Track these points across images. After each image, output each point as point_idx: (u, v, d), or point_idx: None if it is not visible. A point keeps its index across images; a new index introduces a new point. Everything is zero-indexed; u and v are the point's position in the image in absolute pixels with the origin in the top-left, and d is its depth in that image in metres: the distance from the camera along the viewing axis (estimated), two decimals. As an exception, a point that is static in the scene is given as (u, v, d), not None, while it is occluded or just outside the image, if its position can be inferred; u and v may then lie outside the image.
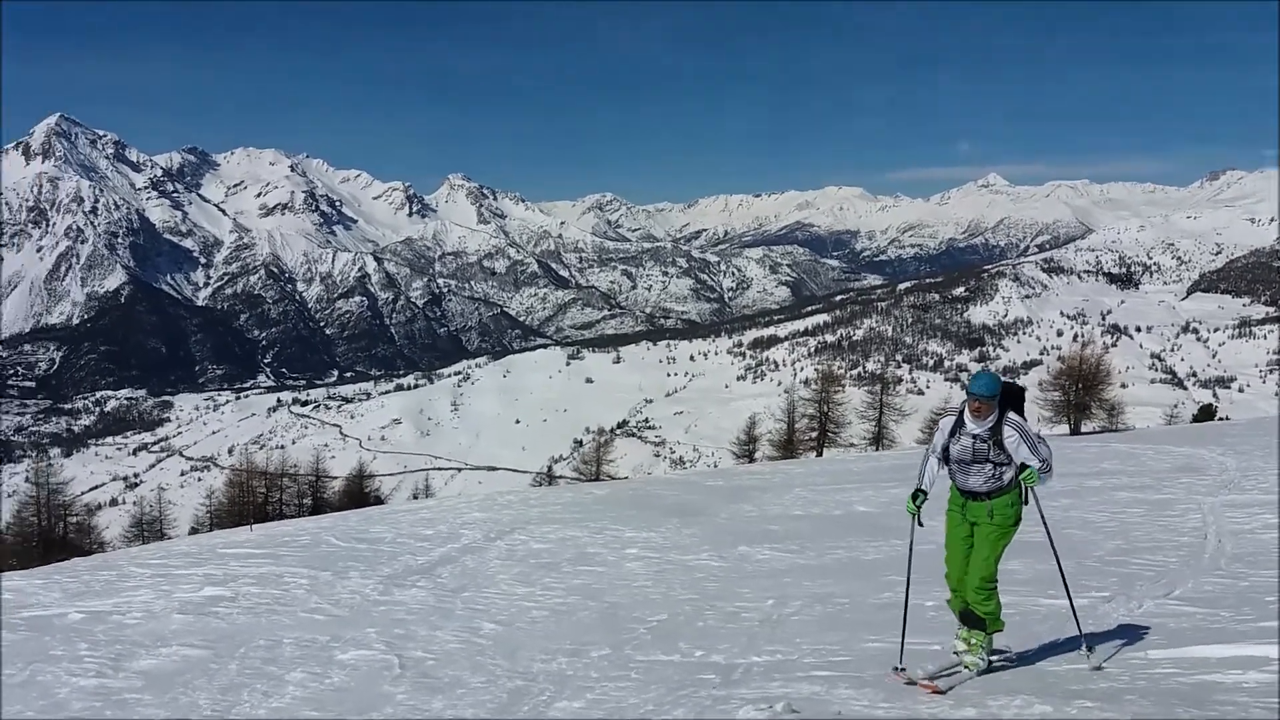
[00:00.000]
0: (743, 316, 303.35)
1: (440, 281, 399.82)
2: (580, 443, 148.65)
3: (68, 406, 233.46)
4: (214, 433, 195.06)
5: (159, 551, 17.67)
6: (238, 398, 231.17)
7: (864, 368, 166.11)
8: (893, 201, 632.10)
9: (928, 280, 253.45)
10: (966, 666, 5.65)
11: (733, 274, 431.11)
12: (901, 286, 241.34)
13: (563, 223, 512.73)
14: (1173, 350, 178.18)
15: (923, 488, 5.92)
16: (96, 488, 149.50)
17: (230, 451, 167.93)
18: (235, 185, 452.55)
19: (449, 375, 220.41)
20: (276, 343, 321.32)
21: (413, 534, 15.36)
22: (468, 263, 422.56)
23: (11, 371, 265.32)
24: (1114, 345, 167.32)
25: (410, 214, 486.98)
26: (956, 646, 5.77)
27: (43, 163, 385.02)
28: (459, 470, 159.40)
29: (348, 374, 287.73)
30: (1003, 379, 5.94)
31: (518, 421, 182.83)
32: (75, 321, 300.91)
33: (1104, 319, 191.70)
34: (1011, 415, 5.65)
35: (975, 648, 5.68)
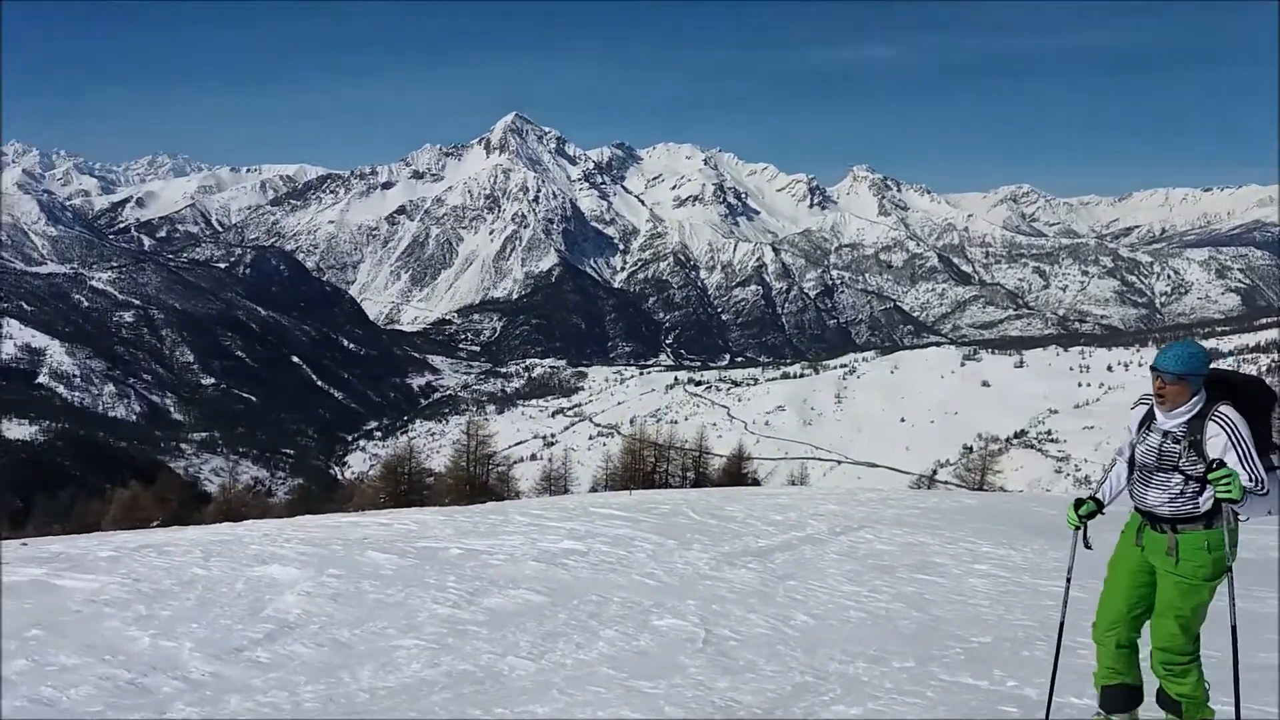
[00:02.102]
0: (1177, 325, 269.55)
1: (834, 273, 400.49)
2: (969, 449, 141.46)
3: (503, 370, 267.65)
4: (619, 403, 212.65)
5: (545, 504, 19.70)
6: (641, 373, 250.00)
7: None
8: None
9: None
10: None
11: (1168, 277, 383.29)
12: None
13: (970, 215, 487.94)
14: None
15: (1096, 496, 4.44)
16: (519, 443, 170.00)
17: (631, 421, 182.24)
18: (654, 178, 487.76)
19: (835, 367, 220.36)
20: (678, 325, 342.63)
21: (762, 517, 15.61)
22: (864, 255, 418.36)
23: (462, 337, 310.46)
24: None
25: (811, 206, 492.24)
26: None
27: (499, 156, 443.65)
28: (838, 463, 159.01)
29: (738, 359, 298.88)
30: (1220, 365, 4.27)
31: (902, 420, 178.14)
32: (514, 296, 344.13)
33: None
34: (1223, 409, 3.93)
35: None
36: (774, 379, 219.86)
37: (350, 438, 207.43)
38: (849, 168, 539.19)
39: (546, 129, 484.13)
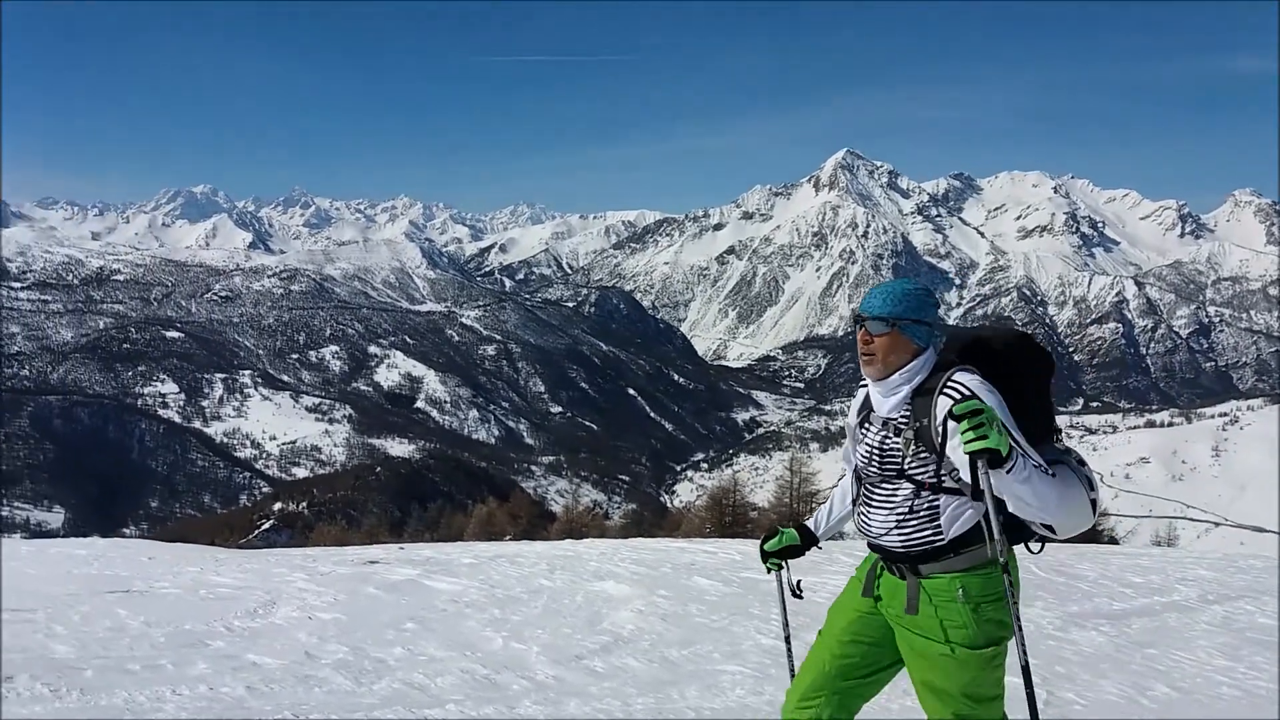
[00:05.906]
0: None
1: (1211, 310, 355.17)
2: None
3: (827, 408, 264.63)
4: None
5: (845, 547, 19.18)
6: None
7: None
8: None
9: None
10: None
11: None
12: None
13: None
14: None
15: (805, 524, 3.02)
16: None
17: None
18: (996, 209, 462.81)
19: (1212, 416, 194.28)
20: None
21: (1119, 578, 14.09)
22: (1248, 289, 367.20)
23: (786, 373, 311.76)
24: None
25: (1181, 235, 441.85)
26: None
27: (828, 193, 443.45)
28: (1215, 525, 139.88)
29: (1093, 403, 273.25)
30: (969, 329, 2.80)
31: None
32: (840, 334, 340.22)
33: None
34: (959, 376, 2.51)
35: None
36: (1137, 427, 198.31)
37: (679, 467, 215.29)
38: (1228, 192, 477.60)
39: (878, 163, 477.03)
